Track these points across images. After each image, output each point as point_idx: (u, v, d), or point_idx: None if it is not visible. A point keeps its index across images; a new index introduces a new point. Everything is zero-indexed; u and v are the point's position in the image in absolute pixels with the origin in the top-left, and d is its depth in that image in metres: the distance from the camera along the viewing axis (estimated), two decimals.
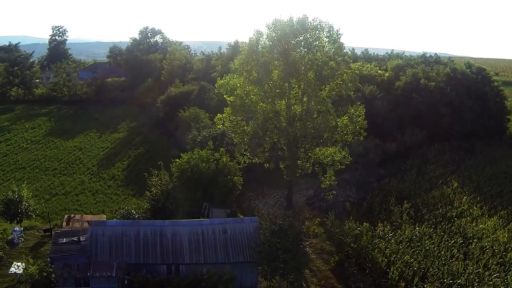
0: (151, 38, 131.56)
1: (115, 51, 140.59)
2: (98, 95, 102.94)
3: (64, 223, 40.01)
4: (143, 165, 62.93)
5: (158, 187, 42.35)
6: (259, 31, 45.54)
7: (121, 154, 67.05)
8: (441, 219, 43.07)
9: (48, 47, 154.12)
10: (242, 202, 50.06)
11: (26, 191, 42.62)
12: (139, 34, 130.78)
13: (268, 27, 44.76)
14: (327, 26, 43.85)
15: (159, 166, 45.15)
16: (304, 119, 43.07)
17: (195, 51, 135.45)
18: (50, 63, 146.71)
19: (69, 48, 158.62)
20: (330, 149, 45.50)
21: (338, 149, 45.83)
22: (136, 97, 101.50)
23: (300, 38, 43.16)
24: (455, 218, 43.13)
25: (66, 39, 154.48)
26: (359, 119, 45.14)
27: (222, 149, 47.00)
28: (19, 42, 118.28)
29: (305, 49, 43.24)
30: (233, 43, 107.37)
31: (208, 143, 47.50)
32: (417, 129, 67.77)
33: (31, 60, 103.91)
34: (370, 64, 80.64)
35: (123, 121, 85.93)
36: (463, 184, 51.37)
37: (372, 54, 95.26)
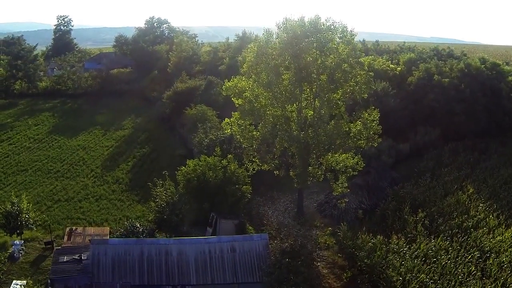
0: (157, 28, 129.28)
1: (121, 40, 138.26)
2: (103, 88, 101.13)
3: (66, 238, 38.56)
4: (148, 165, 61.41)
5: (164, 197, 40.66)
6: (269, 31, 43.47)
7: (126, 154, 65.44)
8: (457, 230, 41.19)
9: (53, 37, 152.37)
10: (251, 209, 48.39)
11: (25, 202, 41.04)
12: (145, 24, 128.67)
13: (278, 27, 42.70)
14: (340, 26, 41.69)
15: (164, 175, 43.25)
16: (316, 125, 41.05)
17: (202, 41, 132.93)
18: (55, 53, 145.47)
19: (75, 38, 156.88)
20: (343, 155, 43.68)
21: (351, 155, 44.03)
22: (142, 90, 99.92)
23: (312, 39, 40.96)
24: (471, 229, 41.25)
25: (71, 29, 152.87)
26: (373, 124, 43.15)
27: (230, 155, 45.17)
28: (22, 35, 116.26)
29: (317, 52, 40.99)
30: (241, 34, 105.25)
31: (216, 149, 45.62)
32: (430, 127, 65.61)
33: (35, 53, 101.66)
34: (382, 58, 78.05)
35: (128, 116, 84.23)
36: (478, 189, 49.30)
37: (383, 46, 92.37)
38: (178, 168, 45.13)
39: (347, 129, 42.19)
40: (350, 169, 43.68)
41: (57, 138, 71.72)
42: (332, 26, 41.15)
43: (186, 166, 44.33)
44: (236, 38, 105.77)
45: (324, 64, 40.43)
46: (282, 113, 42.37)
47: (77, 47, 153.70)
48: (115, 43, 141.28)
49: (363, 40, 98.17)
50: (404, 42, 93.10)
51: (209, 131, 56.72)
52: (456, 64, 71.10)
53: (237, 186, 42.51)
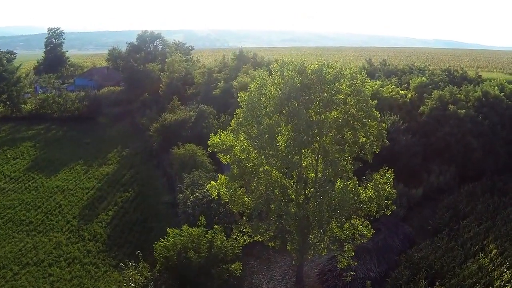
0: (150, 42, 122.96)
1: (114, 53, 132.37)
2: (91, 111, 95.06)
3: None
4: (130, 216, 55.05)
5: (137, 281, 34.34)
6: (263, 78, 36.88)
7: (107, 199, 59.02)
8: None
9: (44, 50, 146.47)
10: (243, 278, 41.96)
11: None
12: (137, 39, 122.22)
13: (273, 71, 36.31)
14: (349, 72, 35.16)
15: (137, 256, 36.88)
16: (317, 195, 34.43)
17: (198, 58, 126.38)
18: (47, 67, 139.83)
19: (67, 51, 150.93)
20: (350, 221, 37.24)
21: (360, 221, 37.57)
22: (133, 114, 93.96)
23: (316, 88, 34.37)
24: None
25: (63, 42, 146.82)
26: (386, 187, 36.71)
27: (216, 226, 38.78)
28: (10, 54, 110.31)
29: (321, 107, 34.38)
30: (237, 52, 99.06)
31: (200, 218, 39.13)
32: (445, 165, 59.21)
33: (18, 74, 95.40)
34: (391, 83, 71.53)
35: (115, 147, 77.92)
36: (502, 247, 42.84)
37: (390, 66, 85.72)
38: (155, 243, 38.52)
39: (356, 197, 35.65)
40: (359, 236, 37.37)
41: (35, 176, 65.43)
42: (339, 75, 34.60)
43: (165, 239, 37.85)
44: (233, 57, 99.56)
45: (328, 123, 33.88)
46: (276, 178, 35.84)
47: (69, 61, 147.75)
48: (108, 57, 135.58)
49: (370, 59, 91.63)
50: (414, 62, 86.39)
51: (196, 180, 50.27)
52: (473, 91, 64.56)
53: (224, 266, 36.01)
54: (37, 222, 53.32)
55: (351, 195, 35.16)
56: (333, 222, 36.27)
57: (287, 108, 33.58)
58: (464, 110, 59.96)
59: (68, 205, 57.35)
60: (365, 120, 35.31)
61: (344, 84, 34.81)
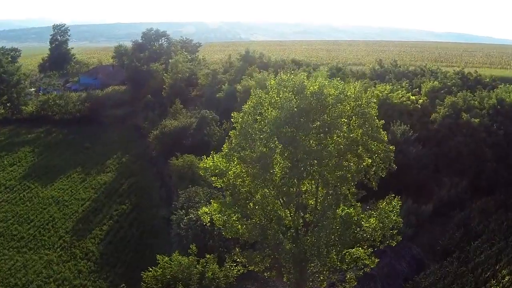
0: (155, 40, 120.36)
1: (120, 50, 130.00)
2: (92, 113, 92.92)
3: None
4: (125, 232, 52.94)
5: None
6: (259, 97, 33.98)
7: (102, 212, 56.87)
8: None
9: (50, 47, 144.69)
10: None
11: None
12: (142, 37, 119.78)
13: (270, 89, 33.43)
14: (353, 93, 32.18)
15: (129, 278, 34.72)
16: (315, 231, 31.57)
17: (204, 56, 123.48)
18: (52, 64, 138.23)
19: (72, 48, 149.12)
20: (352, 250, 34.39)
21: (362, 250, 34.72)
22: (135, 116, 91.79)
23: (316, 118, 31.49)
24: None
25: (68, 39, 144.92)
26: (392, 215, 33.73)
27: (209, 256, 36.30)
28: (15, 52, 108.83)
29: (322, 133, 31.48)
30: (243, 53, 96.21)
31: (191, 246, 36.67)
32: (456, 177, 55.99)
33: (18, 74, 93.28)
34: (401, 88, 68.27)
35: (115, 153, 75.65)
36: None
37: (401, 67, 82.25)
38: (143, 272, 36.11)
39: (358, 229, 32.79)
40: (361, 264, 34.55)
41: (31, 185, 63.48)
42: (342, 96, 31.62)
43: (154, 269, 35.43)
44: (239, 57, 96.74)
45: (329, 151, 30.91)
46: (273, 207, 33.06)
47: (74, 58, 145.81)
48: (114, 54, 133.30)
49: (380, 61, 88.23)
50: (426, 64, 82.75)
51: (193, 197, 47.81)
52: (487, 98, 61.11)
53: None
54: (29, 237, 51.37)
55: (353, 227, 32.39)
56: (333, 253, 33.47)
57: (282, 135, 30.68)
58: (478, 119, 56.66)
59: (62, 219, 55.30)
60: (371, 144, 32.38)
61: (348, 106, 31.93)
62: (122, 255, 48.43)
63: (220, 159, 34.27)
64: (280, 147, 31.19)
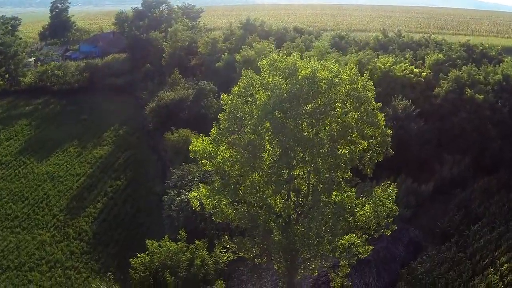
0: (155, 8, 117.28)
1: (121, 17, 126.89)
2: (91, 83, 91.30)
3: None
4: (119, 209, 52.36)
5: None
6: (250, 78, 32.26)
7: (97, 189, 56.09)
8: None
9: (50, 15, 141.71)
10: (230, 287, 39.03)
11: None
12: (142, 4, 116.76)
13: (262, 69, 31.79)
14: (348, 76, 30.43)
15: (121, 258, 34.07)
16: (305, 222, 30.29)
17: (205, 24, 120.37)
18: (52, 33, 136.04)
19: (73, 15, 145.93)
20: (345, 237, 33.25)
21: (357, 236, 33.59)
22: (134, 86, 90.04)
23: (308, 105, 29.91)
24: None
25: (68, 6, 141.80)
26: (388, 202, 32.41)
27: (198, 242, 35.39)
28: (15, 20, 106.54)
29: (313, 120, 29.89)
30: (244, 21, 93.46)
31: (180, 232, 35.72)
32: (459, 155, 54.38)
33: (16, 45, 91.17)
34: (405, 60, 65.95)
35: (112, 125, 74.30)
36: None
37: (406, 38, 79.46)
38: (131, 259, 35.25)
39: (351, 218, 31.57)
40: (355, 251, 33.46)
41: (26, 161, 62.61)
42: (336, 79, 29.82)
43: (143, 255, 34.57)
44: (239, 25, 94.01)
45: (321, 138, 29.36)
46: (263, 194, 31.76)
47: (75, 25, 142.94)
48: (115, 21, 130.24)
49: (384, 30, 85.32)
50: (430, 35, 79.65)
51: (186, 176, 46.74)
52: (492, 74, 58.81)
53: None
54: (23, 216, 50.83)
55: (347, 215, 31.12)
56: (325, 243, 32.16)
57: (271, 122, 29.11)
58: (482, 96, 54.58)
59: (56, 196, 54.62)
60: (367, 129, 30.77)
61: (342, 89, 30.18)
62: (115, 234, 47.91)
63: (209, 143, 32.93)
64: (268, 134, 29.74)
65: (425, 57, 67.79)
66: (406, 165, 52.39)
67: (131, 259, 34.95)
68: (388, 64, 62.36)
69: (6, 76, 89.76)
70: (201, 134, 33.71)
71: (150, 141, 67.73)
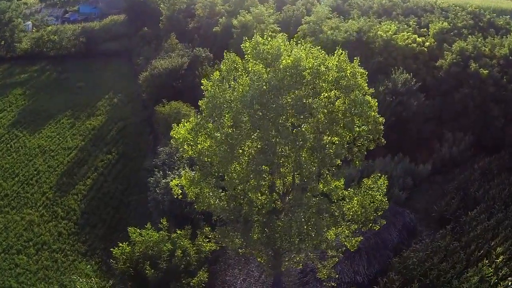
0: None
1: None
2: (88, 48, 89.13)
3: None
4: (108, 186, 51.40)
5: None
6: (232, 61, 30.47)
7: (87, 164, 55.01)
8: None
9: None
10: (214, 275, 38.23)
11: None
12: None
13: (245, 52, 29.91)
14: (335, 64, 28.41)
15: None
16: (287, 220, 28.86)
17: None
18: None
19: None
20: (333, 229, 31.99)
21: (344, 229, 32.28)
22: (131, 51, 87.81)
23: (290, 96, 28.03)
24: None
25: None
26: (377, 195, 30.95)
27: (179, 231, 34.34)
28: None
29: (295, 113, 28.05)
30: None
31: (162, 220, 34.63)
32: (460, 132, 52.26)
33: (11, 9, 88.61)
34: (409, 28, 62.97)
35: (107, 93, 72.55)
36: (510, 253, 37.22)
37: (410, 3, 75.51)
38: (113, 250, 34.27)
39: (337, 212, 30.19)
40: (343, 241, 32.33)
41: (19, 134, 61.30)
42: (322, 68, 27.80)
43: (124, 245, 33.63)
44: None
45: (303, 133, 27.63)
46: (243, 187, 30.32)
47: None
48: None
49: None
50: (436, 0, 75.46)
51: (174, 153, 45.40)
52: (499, 47, 55.80)
53: (184, 281, 31.92)
54: (13, 194, 50.07)
55: (333, 209, 29.78)
56: (307, 241, 30.73)
57: (247, 118, 27.37)
58: (487, 70, 51.84)
59: (46, 172, 53.68)
60: (357, 120, 28.88)
61: (329, 77, 28.11)
62: (104, 214, 47.20)
63: (187, 132, 31.23)
64: (247, 127, 28.04)
65: (429, 24, 64.48)
66: (404, 144, 50.62)
67: (112, 249, 34.05)
68: (390, 32, 59.64)
69: (2, 43, 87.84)
70: (192, 107, 31.67)
71: (144, 111, 66.13)
